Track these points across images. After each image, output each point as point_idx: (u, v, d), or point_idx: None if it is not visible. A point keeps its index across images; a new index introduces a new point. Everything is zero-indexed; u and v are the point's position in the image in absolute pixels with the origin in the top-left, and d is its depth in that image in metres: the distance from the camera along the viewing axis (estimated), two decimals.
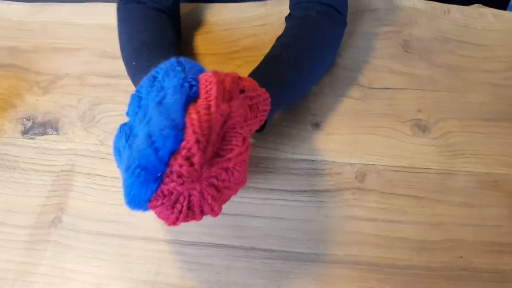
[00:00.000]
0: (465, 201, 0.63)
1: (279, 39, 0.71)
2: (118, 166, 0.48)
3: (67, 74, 0.77)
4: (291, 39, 0.69)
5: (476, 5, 0.86)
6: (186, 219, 0.44)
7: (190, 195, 0.43)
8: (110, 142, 0.69)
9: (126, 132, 0.46)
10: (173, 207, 0.43)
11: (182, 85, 0.44)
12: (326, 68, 0.76)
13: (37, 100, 0.74)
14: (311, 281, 0.57)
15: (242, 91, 0.49)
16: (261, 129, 0.61)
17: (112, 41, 0.79)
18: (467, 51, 0.80)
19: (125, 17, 0.71)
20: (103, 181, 0.65)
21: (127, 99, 0.72)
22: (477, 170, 0.66)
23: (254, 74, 0.62)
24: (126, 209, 0.61)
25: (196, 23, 0.84)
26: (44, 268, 0.58)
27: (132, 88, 0.74)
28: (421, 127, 0.70)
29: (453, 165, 0.66)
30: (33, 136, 0.70)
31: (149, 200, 0.43)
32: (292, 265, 0.58)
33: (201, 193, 0.43)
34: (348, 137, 0.69)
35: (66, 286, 0.57)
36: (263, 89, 0.53)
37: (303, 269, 0.58)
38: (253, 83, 0.52)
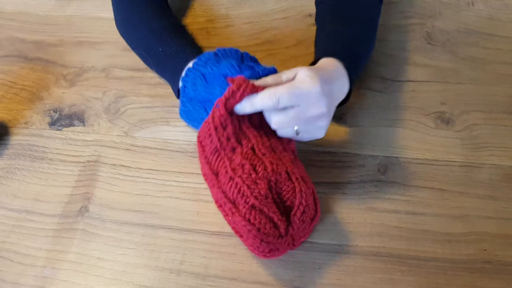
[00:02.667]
0: (489, 193, 0.63)
1: (319, 19, 0.72)
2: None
3: (92, 67, 0.79)
4: (337, 14, 0.70)
5: None
6: None
7: None
8: (134, 133, 0.70)
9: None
10: None
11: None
12: (378, 23, 0.75)
13: (64, 92, 0.76)
14: (334, 272, 0.57)
15: None
16: (345, 101, 0.63)
17: None
18: (491, 43, 0.79)
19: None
20: (128, 172, 0.66)
21: (150, 91, 0.74)
22: (501, 163, 0.65)
23: (332, 50, 0.62)
24: (151, 199, 0.63)
25: (218, 16, 0.84)
26: (72, 255, 0.60)
27: (155, 81, 0.75)
28: (445, 120, 0.70)
29: (477, 158, 0.66)
30: (60, 128, 0.72)
31: None
32: (315, 256, 0.58)
33: None
34: (370, 129, 0.69)
35: (93, 273, 0.58)
36: None
37: (326, 260, 0.58)
38: None
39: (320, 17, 0.73)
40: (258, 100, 0.53)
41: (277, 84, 0.54)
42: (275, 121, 0.55)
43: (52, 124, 0.72)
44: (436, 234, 0.60)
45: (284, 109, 0.54)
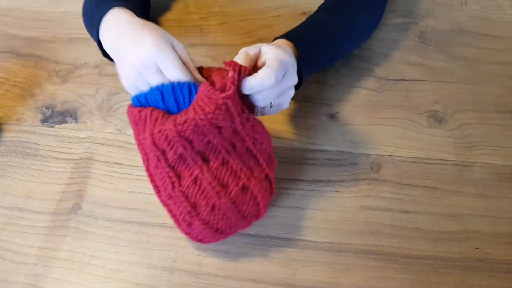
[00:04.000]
0: (481, 192, 0.63)
1: (321, 5, 0.72)
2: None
3: (85, 64, 0.78)
4: (332, 4, 0.71)
5: None
6: None
7: None
8: (128, 131, 0.69)
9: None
10: None
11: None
12: (368, 34, 0.76)
13: (56, 89, 0.75)
14: (326, 270, 0.58)
15: None
16: (297, 87, 0.62)
17: None
18: (484, 43, 0.79)
19: None
20: (121, 169, 0.66)
21: None
22: (493, 162, 0.66)
23: (292, 33, 0.64)
24: (144, 197, 0.63)
25: (212, 13, 0.84)
26: (64, 253, 0.60)
27: None
28: (438, 119, 0.70)
29: (469, 157, 0.66)
30: (53, 125, 0.71)
31: None
32: (308, 254, 0.59)
33: None
34: (364, 128, 0.69)
35: (85, 271, 0.58)
36: None
37: (319, 258, 0.58)
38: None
39: (323, 3, 0.74)
40: (257, 82, 0.51)
41: (251, 60, 0.54)
42: (260, 97, 0.54)
43: (45, 121, 0.72)
44: (428, 232, 0.60)
45: None
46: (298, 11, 0.83)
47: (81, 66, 0.78)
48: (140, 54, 0.53)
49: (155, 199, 0.62)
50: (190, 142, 0.52)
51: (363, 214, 0.62)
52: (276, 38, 0.64)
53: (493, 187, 0.64)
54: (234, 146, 0.54)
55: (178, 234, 0.60)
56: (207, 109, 0.50)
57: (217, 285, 0.57)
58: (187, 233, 0.55)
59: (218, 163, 0.54)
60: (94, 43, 0.80)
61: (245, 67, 0.51)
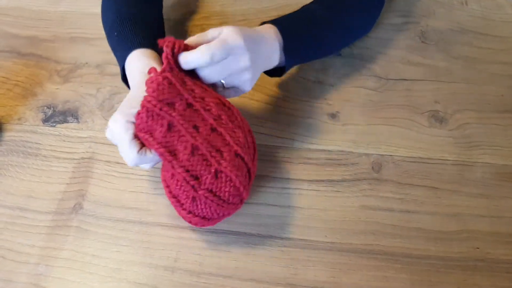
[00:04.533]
0: (481, 192, 0.63)
1: None
2: None
3: (86, 63, 0.78)
4: None
5: None
6: None
7: None
8: None
9: None
10: None
11: None
12: (359, 34, 0.76)
13: (57, 88, 0.75)
14: (328, 270, 0.58)
15: None
16: (279, 75, 0.67)
17: None
18: (484, 42, 0.79)
19: None
20: (122, 169, 0.66)
21: None
22: (494, 161, 0.66)
23: (280, 19, 0.65)
24: (146, 196, 0.63)
25: (213, 13, 0.84)
26: (66, 253, 0.60)
27: None
28: (438, 119, 0.70)
29: (470, 157, 0.66)
30: (54, 124, 0.71)
31: None
32: (309, 253, 0.59)
33: None
34: (364, 127, 0.69)
35: (87, 271, 0.58)
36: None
37: (320, 258, 0.59)
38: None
39: None
40: (192, 58, 0.53)
41: (203, 41, 0.55)
42: (204, 74, 0.56)
43: (46, 120, 0.72)
44: (429, 232, 0.60)
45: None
46: None
47: (82, 65, 0.78)
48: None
49: (156, 198, 0.63)
50: (151, 133, 0.53)
51: (364, 214, 0.62)
52: (264, 22, 0.64)
53: (494, 186, 0.64)
54: (197, 129, 0.54)
55: (180, 233, 0.60)
56: (150, 90, 0.52)
57: (218, 285, 0.57)
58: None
59: (187, 154, 0.52)
60: (95, 43, 0.81)
61: (180, 42, 0.53)
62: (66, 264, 0.59)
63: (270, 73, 0.66)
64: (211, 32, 0.56)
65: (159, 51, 0.60)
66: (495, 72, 0.75)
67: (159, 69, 0.55)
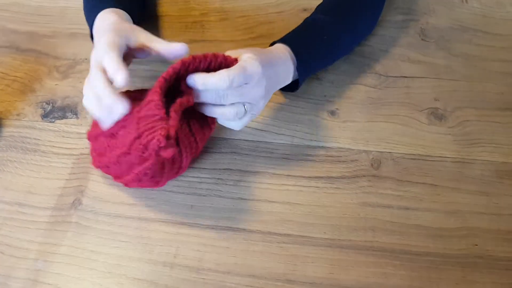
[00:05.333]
0: (481, 189, 0.63)
1: (318, 6, 0.73)
2: None
3: (86, 59, 0.78)
4: (330, 4, 0.72)
5: None
6: None
7: None
8: None
9: None
10: None
11: None
12: (365, 35, 0.77)
13: (56, 84, 0.75)
14: (327, 266, 0.58)
15: None
16: (294, 90, 0.68)
17: None
18: (484, 40, 0.79)
19: None
20: None
21: (144, 84, 0.74)
22: (493, 159, 0.66)
23: (289, 37, 0.66)
24: (145, 192, 0.63)
25: (212, 9, 0.84)
26: (65, 248, 0.60)
27: (148, 74, 0.75)
28: (438, 116, 0.70)
29: (469, 154, 0.66)
30: (53, 120, 0.71)
31: None
32: (308, 250, 0.59)
33: None
34: (364, 124, 0.69)
35: (86, 266, 0.58)
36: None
37: (319, 254, 0.59)
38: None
39: (321, 3, 0.74)
40: (212, 81, 0.53)
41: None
42: (222, 112, 0.56)
43: (45, 116, 0.71)
44: (428, 229, 0.60)
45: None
46: (298, 8, 0.83)
47: (82, 61, 0.78)
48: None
49: (155, 194, 0.63)
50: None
51: (363, 210, 0.62)
52: (274, 42, 0.65)
53: (493, 184, 0.64)
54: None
55: (179, 229, 0.60)
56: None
57: (217, 281, 0.57)
58: None
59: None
60: None
61: (194, 59, 0.53)
62: (65, 260, 0.59)
63: (283, 88, 0.67)
64: (231, 54, 0.56)
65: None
66: (495, 69, 0.75)
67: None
